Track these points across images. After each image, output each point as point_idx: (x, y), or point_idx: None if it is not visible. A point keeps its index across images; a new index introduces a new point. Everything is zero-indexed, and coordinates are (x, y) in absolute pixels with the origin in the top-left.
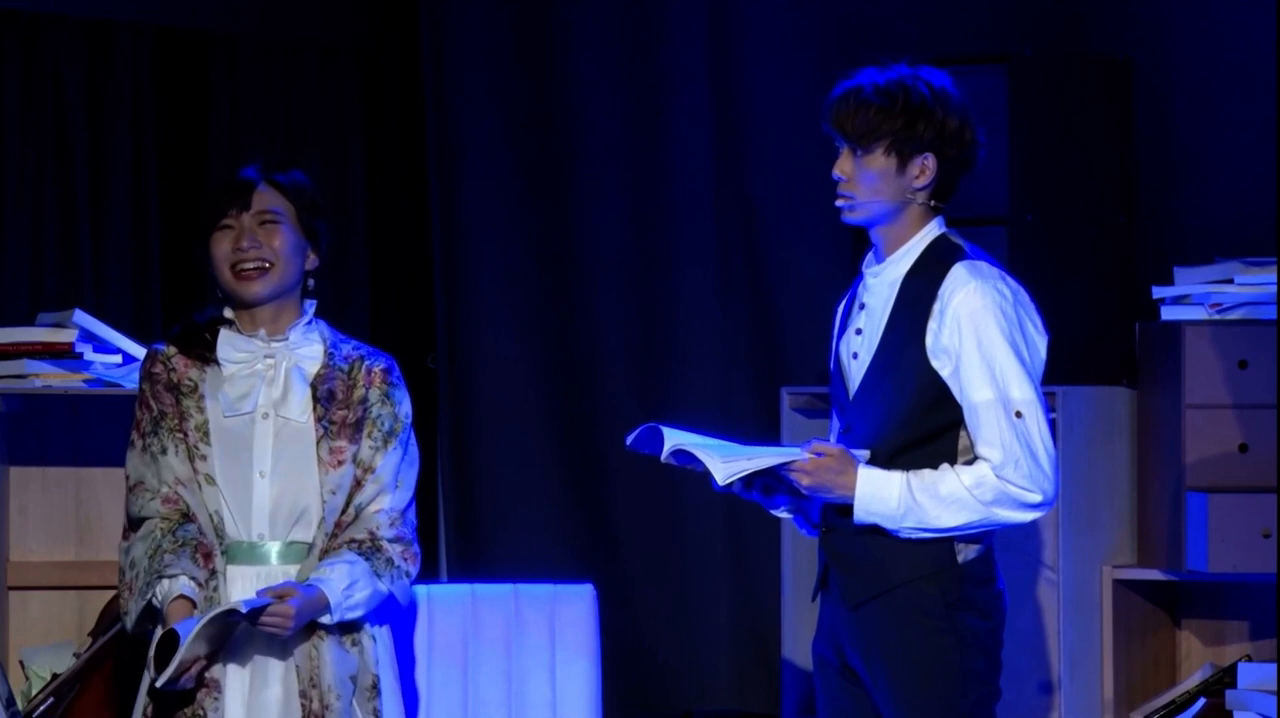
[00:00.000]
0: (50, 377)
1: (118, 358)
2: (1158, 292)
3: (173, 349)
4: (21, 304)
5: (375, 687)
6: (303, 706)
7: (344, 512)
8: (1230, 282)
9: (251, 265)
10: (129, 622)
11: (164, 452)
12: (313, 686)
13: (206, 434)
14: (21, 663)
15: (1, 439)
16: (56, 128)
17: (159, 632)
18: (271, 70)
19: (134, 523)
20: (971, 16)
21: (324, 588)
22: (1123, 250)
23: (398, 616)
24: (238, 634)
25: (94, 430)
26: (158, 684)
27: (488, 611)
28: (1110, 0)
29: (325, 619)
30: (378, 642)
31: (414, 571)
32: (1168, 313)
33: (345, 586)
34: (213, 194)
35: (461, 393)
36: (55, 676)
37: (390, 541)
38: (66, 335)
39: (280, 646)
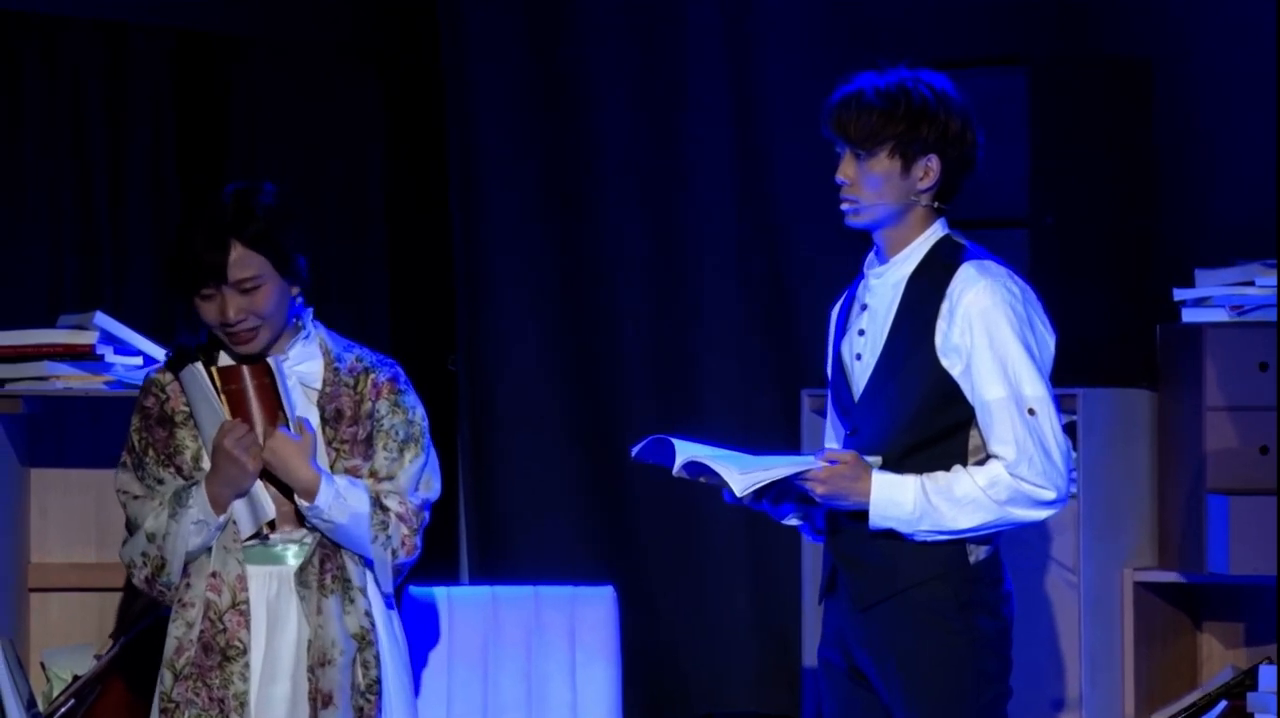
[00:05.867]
0: (71, 379)
1: (138, 360)
2: (1178, 294)
3: (168, 376)
4: (42, 306)
5: (369, 636)
6: (311, 649)
7: None
8: (1251, 284)
9: (243, 332)
10: (173, 577)
11: (160, 482)
12: (323, 640)
13: (200, 463)
14: (42, 665)
15: (22, 441)
16: (76, 130)
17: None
18: (291, 74)
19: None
20: (991, 19)
21: (323, 479)
22: (1143, 252)
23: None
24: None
25: (115, 433)
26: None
27: (508, 613)
28: (1130, 3)
29: (302, 504)
30: (367, 593)
31: (404, 560)
32: (1188, 315)
33: (343, 487)
34: (187, 256)
35: (482, 396)
36: (76, 677)
37: (396, 514)
38: (87, 338)
39: (293, 600)
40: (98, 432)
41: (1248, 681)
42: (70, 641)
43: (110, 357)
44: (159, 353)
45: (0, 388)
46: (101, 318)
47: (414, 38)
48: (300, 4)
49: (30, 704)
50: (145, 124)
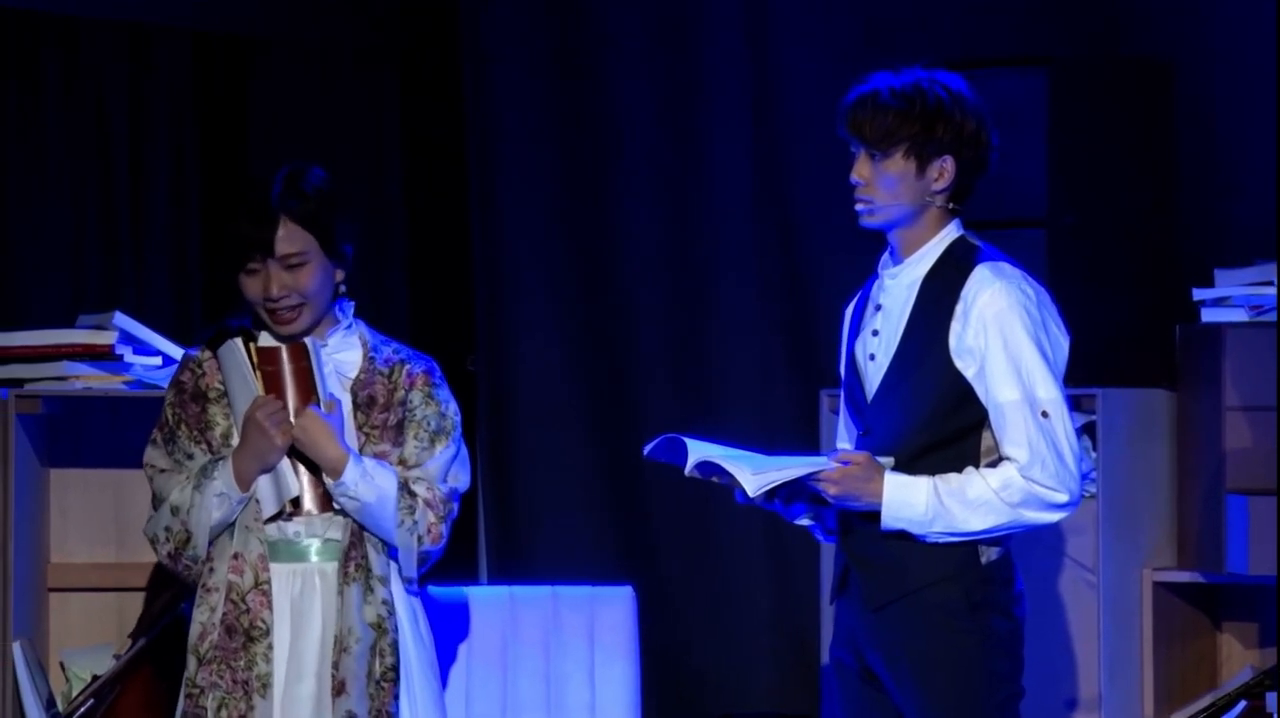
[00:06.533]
0: (90, 379)
1: (157, 360)
2: (1198, 294)
3: (206, 354)
4: (61, 306)
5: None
6: (336, 640)
7: None
8: (1270, 284)
9: (284, 309)
10: (199, 551)
11: (190, 457)
12: (346, 631)
13: (229, 440)
14: (61, 665)
15: (42, 441)
16: (97, 131)
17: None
18: (309, 73)
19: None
20: (1012, 19)
21: (351, 457)
22: (1163, 252)
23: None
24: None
25: (134, 432)
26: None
27: (527, 613)
28: (1150, 3)
29: (329, 482)
30: (389, 583)
31: (430, 547)
32: (1208, 315)
33: (371, 467)
34: (235, 229)
35: (501, 395)
36: (95, 677)
37: (424, 500)
38: (106, 338)
39: (316, 598)
40: (117, 432)
41: (1267, 681)
42: (89, 641)
43: (129, 357)
44: (178, 353)
45: (20, 388)
46: (121, 318)
47: (431, 37)
48: (318, 4)
49: (49, 704)
50: (165, 124)
